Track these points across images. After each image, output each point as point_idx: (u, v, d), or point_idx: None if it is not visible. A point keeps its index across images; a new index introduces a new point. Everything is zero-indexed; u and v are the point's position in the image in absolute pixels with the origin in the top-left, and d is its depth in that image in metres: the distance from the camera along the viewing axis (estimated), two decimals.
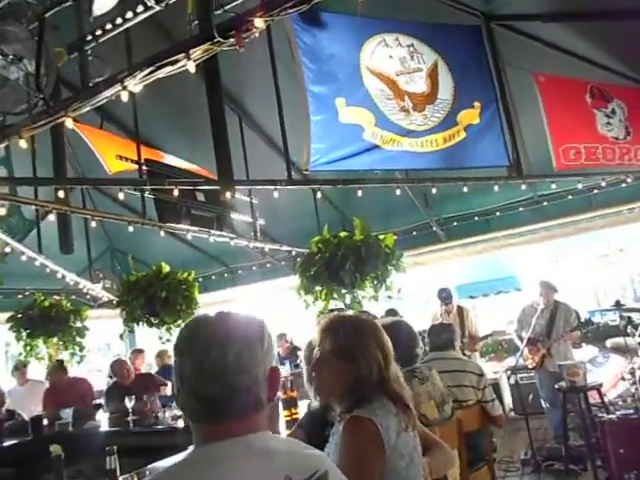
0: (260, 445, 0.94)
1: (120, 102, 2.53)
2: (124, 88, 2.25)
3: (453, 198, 5.58)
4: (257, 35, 2.27)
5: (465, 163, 4.01)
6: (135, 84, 2.25)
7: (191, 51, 2.20)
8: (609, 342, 4.92)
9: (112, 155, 4.17)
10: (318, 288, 3.67)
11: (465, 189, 4.18)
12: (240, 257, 7.10)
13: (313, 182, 3.67)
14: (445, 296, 5.67)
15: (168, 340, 5.11)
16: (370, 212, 5.36)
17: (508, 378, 5.64)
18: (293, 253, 5.26)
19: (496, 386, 6.45)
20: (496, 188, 4.30)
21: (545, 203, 6.10)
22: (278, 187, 3.48)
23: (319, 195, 3.85)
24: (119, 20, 2.46)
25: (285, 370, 6.00)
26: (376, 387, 1.52)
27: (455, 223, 6.61)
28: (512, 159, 4.14)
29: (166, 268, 4.91)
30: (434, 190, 4.12)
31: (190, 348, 0.97)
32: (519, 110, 4.62)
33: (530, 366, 5.31)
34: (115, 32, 2.69)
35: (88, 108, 2.45)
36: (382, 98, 3.53)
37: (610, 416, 3.88)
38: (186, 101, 4.77)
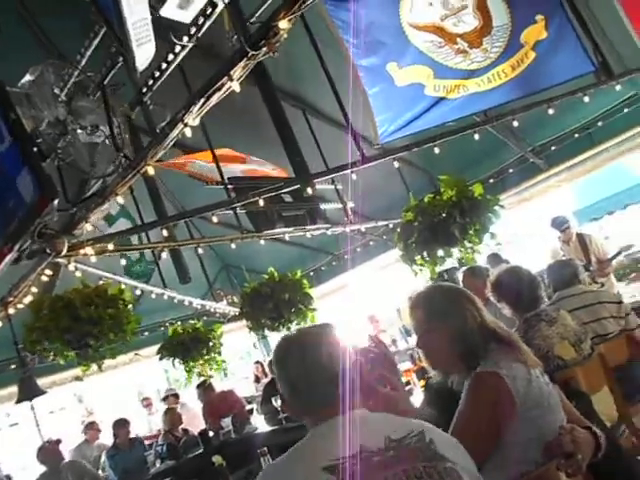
0: (361, 416, 1.17)
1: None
2: (185, 125, 2.42)
3: (544, 123, 5.14)
4: (285, 36, 2.28)
5: (544, 84, 3.67)
6: (193, 118, 2.40)
7: (232, 72, 2.28)
8: None
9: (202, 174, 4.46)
10: (421, 255, 3.61)
11: (551, 111, 3.85)
12: (343, 243, 7.19)
13: (387, 154, 3.60)
14: (560, 222, 5.29)
15: None
16: (459, 163, 5.16)
17: None
18: (390, 226, 5.22)
19: None
20: (586, 99, 3.90)
21: None
22: (354, 169, 3.48)
23: (396, 164, 3.76)
24: (164, 65, 2.62)
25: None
26: (485, 338, 1.49)
27: (553, 148, 6.08)
28: (597, 62, 3.72)
29: (274, 273, 5.15)
30: (515, 123, 3.84)
31: (291, 358, 1.24)
32: (595, 5, 4.14)
33: None
34: (165, 76, 2.86)
35: (162, 152, 2.66)
36: (434, 49, 3.36)
37: None
38: (247, 106, 4.94)
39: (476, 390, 1.42)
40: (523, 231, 8.16)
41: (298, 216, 4.53)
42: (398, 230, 3.93)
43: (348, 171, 3.54)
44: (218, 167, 3.87)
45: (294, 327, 5.12)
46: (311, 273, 8.27)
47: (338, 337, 1.24)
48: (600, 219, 8.60)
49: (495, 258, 4.65)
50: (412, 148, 3.59)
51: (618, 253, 5.47)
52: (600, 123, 5.77)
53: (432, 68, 3.38)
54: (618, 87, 3.99)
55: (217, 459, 2.61)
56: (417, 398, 2.94)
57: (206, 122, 3.85)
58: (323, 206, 4.85)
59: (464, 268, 3.48)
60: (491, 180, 6.19)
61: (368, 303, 8.49)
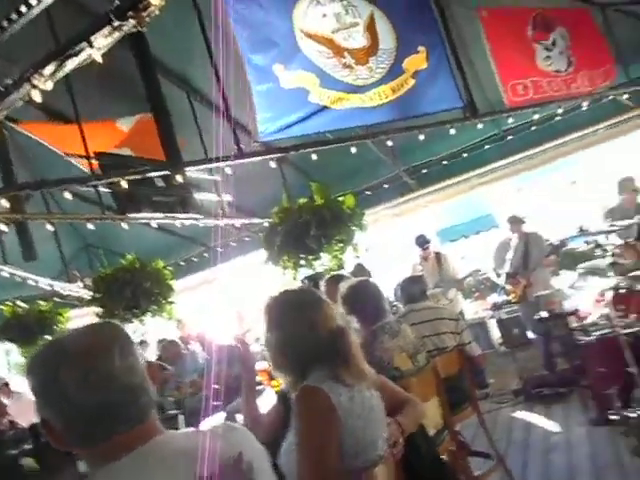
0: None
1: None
2: (34, 87, 2.15)
3: (418, 147, 5.52)
4: (157, 12, 2.16)
5: (418, 110, 3.95)
6: (45, 81, 2.15)
7: (92, 39, 2.08)
8: (581, 267, 5.04)
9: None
10: (285, 258, 3.66)
11: (422, 137, 4.15)
12: (218, 235, 7.02)
13: (265, 152, 3.59)
14: (422, 242, 5.75)
15: None
16: (339, 171, 5.30)
17: (492, 316, 5.79)
18: (266, 224, 5.22)
19: (483, 325, 6.63)
20: (452, 131, 4.27)
21: (509, 137, 6.09)
22: (229, 163, 3.41)
23: (273, 164, 3.75)
24: (23, 8, 2.28)
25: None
26: (320, 349, 1.54)
27: (424, 171, 6.57)
28: (465, 100, 4.08)
29: (135, 259, 4.87)
30: (390, 142, 4.06)
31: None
32: (474, 49, 4.53)
33: (513, 300, 5.43)
34: (22, 23, 2.50)
35: (4, 113, 2.35)
36: (322, 58, 3.43)
37: (588, 338, 4.00)
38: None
39: (303, 403, 1.45)
40: (394, 244, 8.68)
41: (168, 202, 4.31)
42: (263, 232, 3.92)
43: (222, 164, 3.46)
44: (83, 138, 3.55)
45: (148, 319, 4.88)
46: (182, 263, 7.98)
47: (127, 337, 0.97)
48: (456, 241, 9.51)
49: (360, 268, 4.89)
50: (289, 151, 3.62)
51: (469, 275, 6.07)
52: (465, 155, 6.37)
53: (319, 77, 3.45)
54: (480, 125, 4.41)
55: (27, 462, 2.33)
56: (267, 399, 2.96)
57: (88, 91, 3.50)
58: (198, 195, 4.68)
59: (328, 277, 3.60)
60: (368, 192, 6.49)
61: (237, 299, 8.40)
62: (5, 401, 5.01)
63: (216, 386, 2.28)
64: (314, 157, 3.70)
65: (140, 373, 0.93)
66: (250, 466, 0.94)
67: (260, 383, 3.44)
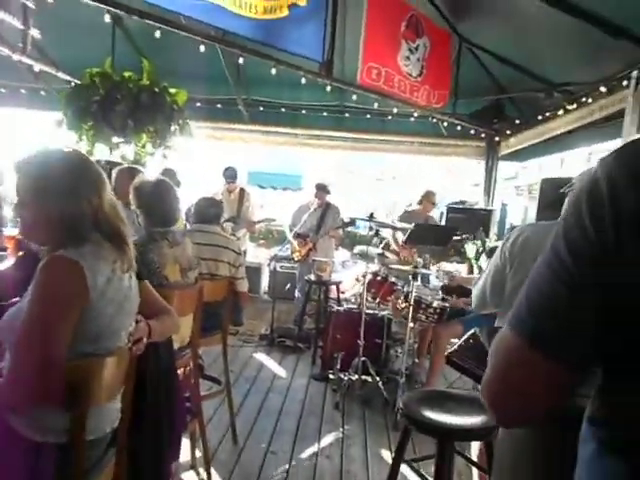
0: None
1: None
2: None
3: (265, 82, 5.40)
4: None
5: (279, 43, 3.83)
6: None
7: None
8: (356, 248, 5.65)
9: None
10: (85, 127, 3.19)
11: (273, 71, 4.05)
12: (8, 72, 5.77)
13: (108, 1, 3.03)
14: (229, 174, 5.69)
15: None
16: (179, 68, 4.83)
17: (268, 265, 6.09)
18: (72, 84, 4.47)
19: (258, 270, 6.95)
20: (303, 81, 4.28)
21: (347, 115, 6.41)
22: None
23: (107, 18, 3.18)
24: None
25: None
26: (89, 227, 1.39)
27: (262, 108, 6.50)
28: (325, 57, 4.12)
29: None
30: (240, 60, 3.86)
31: None
32: (351, 16, 4.56)
33: (295, 258, 5.78)
34: None
35: None
36: None
37: (338, 308, 4.53)
38: None
39: (51, 273, 1.29)
40: (207, 165, 8.39)
41: None
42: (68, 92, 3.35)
43: None
44: None
45: None
46: None
47: None
48: (264, 189, 9.75)
49: (170, 173, 4.54)
50: (134, 13, 3.11)
51: (264, 220, 6.24)
52: (304, 111, 6.50)
53: None
54: (329, 88, 4.51)
55: None
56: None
57: None
58: None
59: (122, 166, 3.28)
60: (199, 104, 6.10)
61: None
62: None
63: None
64: (157, 35, 3.29)
65: None
66: None
67: (4, 249, 3.00)
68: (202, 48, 3.54)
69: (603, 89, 4.43)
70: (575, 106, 4.93)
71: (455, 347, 1.68)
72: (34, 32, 3.82)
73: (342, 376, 3.97)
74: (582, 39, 4.02)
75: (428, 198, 5.15)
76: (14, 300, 1.51)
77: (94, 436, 1.39)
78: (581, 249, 0.61)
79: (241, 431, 3.24)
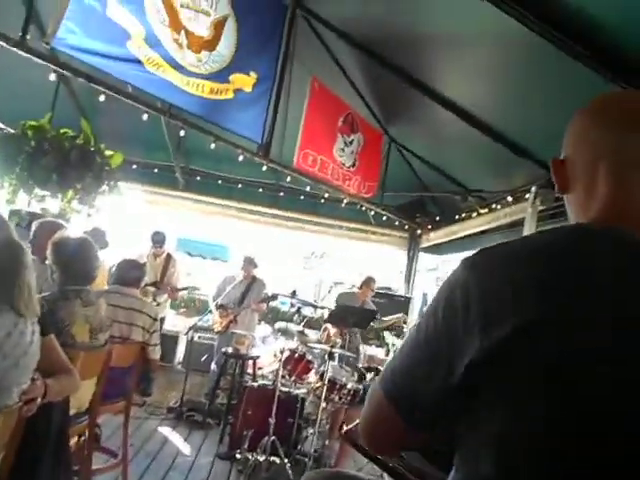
0: None
1: None
2: None
3: (204, 154, 5.57)
4: None
5: (223, 121, 4.04)
6: None
7: None
8: (277, 324, 5.68)
9: None
10: (12, 176, 3.13)
11: (213, 146, 4.23)
12: None
13: (49, 58, 3.10)
14: (157, 239, 5.66)
15: None
16: (115, 129, 4.91)
17: (186, 334, 5.94)
18: (4, 132, 4.39)
19: (174, 339, 6.74)
20: (241, 158, 4.48)
21: (281, 194, 6.68)
22: (8, 46, 2.87)
23: (52, 77, 3.23)
24: None
25: None
26: None
27: (199, 178, 6.64)
28: (264, 140, 4.37)
29: None
30: (182, 133, 4.01)
31: None
32: (293, 103, 4.93)
33: (215, 329, 5.69)
34: None
35: None
36: (157, 21, 3.28)
37: (253, 383, 4.45)
38: None
39: None
40: (136, 227, 8.25)
41: None
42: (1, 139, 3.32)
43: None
44: None
45: None
46: None
47: None
48: (193, 257, 9.68)
49: (97, 232, 4.41)
50: (81, 76, 3.20)
51: (187, 288, 6.16)
52: (240, 185, 6.71)
53: (145, 31, 3.24)
54: (264, 168, 4.75)
55: None
56: None
57: None
58: None
59: (44, 219, 3.21)
60: (135, 166, 6.15)
61: None
62: None
63: None
64: (102, 99, 3.38)
65: None
66: None
67: None
68: (145, 117, 3.67)
69: (509, 198, 4.99)
70: (486, 210, 5.48)
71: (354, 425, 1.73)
72: None
73: (249, 456, 3.83)
74: (494, 154, 4.57)
75: (368, 284, 5.35)
76: None
77: None
78: (434, 336, 0.74)
79: None
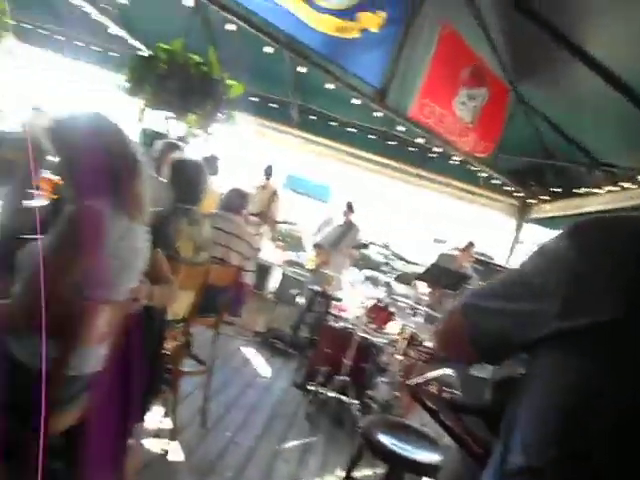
0: None
1: None
2: None
3: (321, 93, 5.56)
4: None
5: (344, 62, 3.96)
6: None
7: None
8: (367, 272, 5.75)
9: None
10: (147, 96, 3.37)
11: (331, 86, 4.20)
12: (84, 29, 6.02)
13: None
14: (268, 172, 5.90)
15: None
16: (239, 59, 5.03)
17: (280, 266, 6.22)
18: (141, 52, 4.69)
19: (268, 269, 7.06)
20: (356, 101, 4.41)
21: (391, 142, 6.53)
22: None
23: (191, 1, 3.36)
24: None
25: None
26: (115, 184, 1.53)
27: (313, 117, 6.67)
28: (382, 85, 4.24)
29: None
30: (303, 69, 4.01)
31: None
32: (417, 51, 4.68)
33: (307, 266, 5.90)
34: None
35: None
36: None
37: (334, 324, 4.60)
38: None
39: (77, 220, 1.43)
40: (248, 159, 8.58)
41: None
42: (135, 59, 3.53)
43: None
44: None
45: None
46: None
47: None
48: (299, 194, 9.92)
49: (211, 158, 4.67)
50: (214, 3, 3.26)
51: (285, 222, 6.39)
52: (354, 130, 6.63)
53: None
54: (379, 114, 4.63)
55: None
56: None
57: None
58: None
59: (166, 140, 3.45)
60: (255, 98, 6.31)
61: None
62: None
63: None
64: (229, 27, 3.46)
65: None
66: None
67: (39, 188, 3.19)
68: (268, 49, 3.71)
69: None
70: (615, 187, 4.94)
71: (420, 379, 1.73)
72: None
73: (321, 390, 4.03)
74: (634, 124, 4.05)
75: (468, 249, 5.26)
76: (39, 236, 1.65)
77: (74, 373, 1.51)
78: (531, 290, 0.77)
79: (211, 416, 3.33)
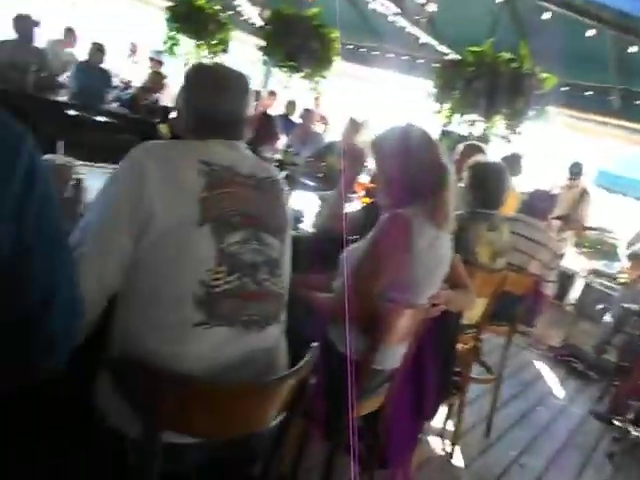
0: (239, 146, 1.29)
1: None
2: None
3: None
4: None
5: None
6: None
7: None
8: None
9: None
10: (449, 100, 3.40)
11: None
12: (395, 40, 6.48)
13: None
14: (575, 171, 5.25)
15: None
16: (551, 52, 4.61)
17: (585, 277, 5.48)
18: (447, 57, 4.77)
19: (570, 278, 6.34)
20: None
21: None
22: None
23: None
24: None
25: None
26: (421, 191, 1.58)
27: (638, 102, 5.62)
28: None
29: None
30: (634, 48, 3.37)
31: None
32: None
33: (621, 279, 5.07)
34: None
35: None
36: None
37: None
38: None
39: (389, 227, 1.54)
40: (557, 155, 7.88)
41: None
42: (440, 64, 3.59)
43: None
44: None
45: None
46: (350, 46, 7.68)
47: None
48: (613, 193, 8.53)
49: (514, 158, 4.39)
50: None
51: (596, 229, 5.60)
52: None
53: None
54: None
55: (162, 128, 2.66)
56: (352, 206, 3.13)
57: None
58: None
59: (468, 142, 3.41)
60: (566, 87, 5.69)
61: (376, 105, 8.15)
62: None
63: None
64: (544, 17, 3.18)
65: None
66: None
67: (354, 192, 3.59)
68: (590, 32, 3.26)
69: None
70: None
71: None
72: (432, 7, 4.20)
73: (631, 429, 3.40)
74: None
75: None
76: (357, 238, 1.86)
77: (378, 367, 1.65)
78: None
79: (496, 428, 3.19)
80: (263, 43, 5.16)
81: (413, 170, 1.58)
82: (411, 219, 1.53)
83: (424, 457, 2.73)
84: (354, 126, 4.51)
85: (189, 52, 6.01)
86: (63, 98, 4.60)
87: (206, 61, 1.44)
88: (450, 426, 2.95)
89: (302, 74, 4.90)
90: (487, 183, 2.56)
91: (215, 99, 1.23)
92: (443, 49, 5.03)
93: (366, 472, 1.88)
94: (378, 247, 1.53)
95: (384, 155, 1.67)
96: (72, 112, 4.09)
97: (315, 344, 1.17)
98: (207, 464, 1.14)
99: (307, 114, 5.59)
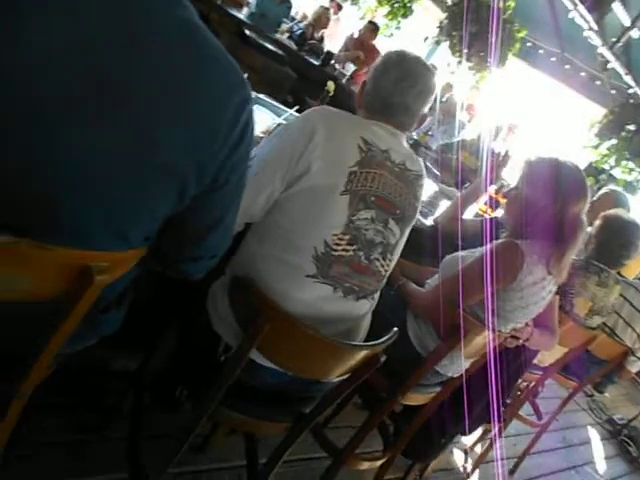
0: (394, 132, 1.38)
1: None
2: None
3: None
4: None
5: None
6: None
7: None
8: None
9: None
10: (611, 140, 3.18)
11: None
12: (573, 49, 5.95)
13: None
14: None
15: None
16: None
17: None
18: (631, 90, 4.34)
19: None
20: None
21: None
22: None
23: None
24: None
25: None
26: (545, 231, 1.59)
27: None
28: None
29: None
30: None
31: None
32: None
33: None
34: None
35: None
36: None
37: None
38: None
39: (500, 252, 1.58)
40: None
41: None
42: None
43: None
44: None
45: None
46: None
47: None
48: None
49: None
50: None
51: None
52: None
53: None
54: None
55: (330, 85, 2.78)
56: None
57: None
58: None
59: (611, 189, 3.17)
60: None
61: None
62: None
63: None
64: None
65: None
66: None
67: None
68: None
69: None
70: None
71: None
72: (635, 33, 3.86)
73: None
74: None
75: None
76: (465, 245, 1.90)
77: (440, 370, 1.74)
78: None
79: (521, 472, 3.15)
80: (444, 18, 5.04)
81: (554, 212, 1.57)
82: (526, 255, 1.55)
83: (442, 463, 2.81)
84: (510, 130, 4.34)
85: (369, 7, 6.00)
86: (241, 15, 4.83)
87: (404, 50, 1.46)
88: (478, 449, 2.98)
89: (470, 65, 4.75)
90: (615, 240, 2.45)
91: (398, 92, 1.31)
92: (629, 80, 4.58)
93: (389, 451, 2.01)
94: (484, 268, 1.57)
95: (533, 181, 1.66)
96: (247, 32, 4.31)
97: (395, 329, 1.28)
98: (270, 391, 1.33)
99: (451, 99, 5.46)
